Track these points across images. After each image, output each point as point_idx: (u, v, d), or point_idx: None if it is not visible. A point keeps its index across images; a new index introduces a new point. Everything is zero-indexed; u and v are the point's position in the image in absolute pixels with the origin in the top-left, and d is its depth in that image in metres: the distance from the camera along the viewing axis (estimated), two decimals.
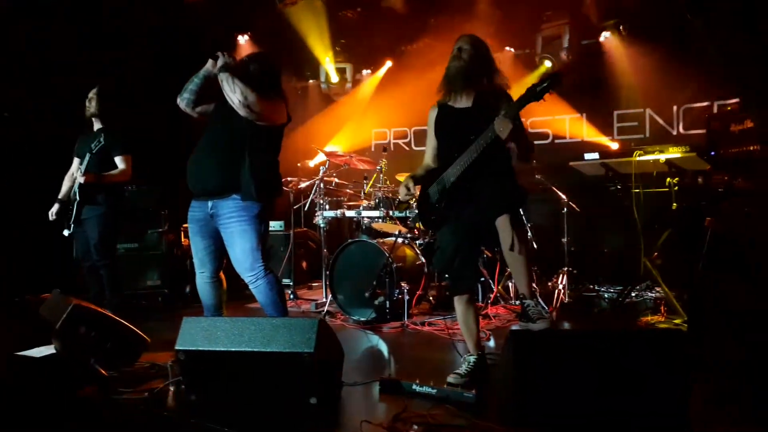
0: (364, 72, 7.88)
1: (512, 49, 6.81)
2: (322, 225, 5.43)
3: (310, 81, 8.19)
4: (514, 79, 3.62)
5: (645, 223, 4.50)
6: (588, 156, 4.91)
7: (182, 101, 3.38)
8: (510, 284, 5.06)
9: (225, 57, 3.24)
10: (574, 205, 5.39)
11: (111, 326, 3.21)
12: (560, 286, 5.06)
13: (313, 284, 6.47)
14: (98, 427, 2.73)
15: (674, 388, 2.22)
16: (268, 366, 2.54)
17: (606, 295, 5.26)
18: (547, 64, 6.45)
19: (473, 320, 3.08)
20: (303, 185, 5.82)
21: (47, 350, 3.07)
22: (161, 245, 5.65)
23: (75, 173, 4.32)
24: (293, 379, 2.53)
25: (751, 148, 4.05)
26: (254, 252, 3.22)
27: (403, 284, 4.45)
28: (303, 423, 2.52)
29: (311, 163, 7.15)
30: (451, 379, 2.93)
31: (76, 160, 4.41)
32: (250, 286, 3.28)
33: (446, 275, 3.34)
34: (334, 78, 7.73)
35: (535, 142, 4.07)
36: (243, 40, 7.42)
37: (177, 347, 2.62)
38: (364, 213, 5.19)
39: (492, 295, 4.84)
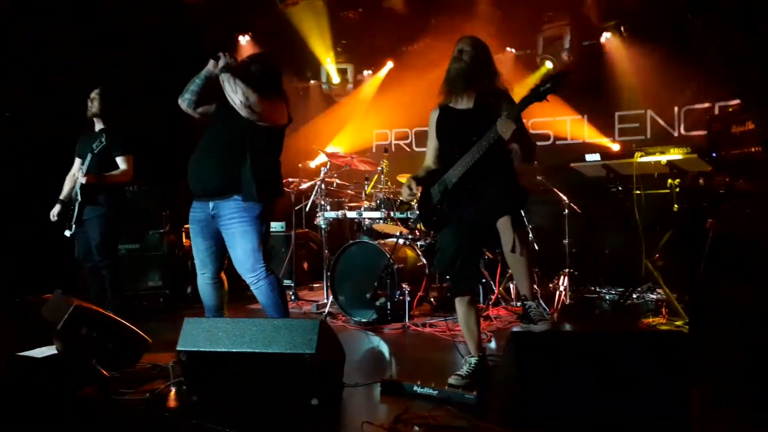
0: (366, 72, 7.88)
1: (513, 50, 6.80)
2: (323, 226, 5.43)
3: (311, 81, 8.19)
4: (515, 79, 3.61)
5: (646, 225, 4.49)
6: (589, 157, 4.89)
7: (183, 102, 3.38)
8: (511, 285, 5.05)
9: (226, 57, 3.24)
10: (575, 207, 5.39)
11: (112, 327, 3.22)
12: (561, 288, 5.05)
13: (315, 285, 6.47)
14: (99, 427, 2.73)
15: (673, 390, 2.22)
16: (269, 367, 2.54)
17: (607, 297, 5.27)
18: (548, 64, 6.44)
19: (474, 322, 3.08)
20: (304, 186, 5.82)
21: (48, 350, 3.07)
22: (162, 246, 5.65)
23: (76, 174, 4.32)
24: (294, 380, 2.53)
25: (753, 149, 4.05)
26: (255, 253, 3.22)
27: (404, 285, 4.45)
28: (304, 424, 2.52)
29: (312, 164, 7.12)
30: (452, 380, 2.92)
31: (77, 161, 4.40)
32: (252, 287, 3.27)
33: (447, 276, 3.33)
34: (336, 78, 7.72)
35: (537, 143, 4.07)
36: (244, 40, 7.42)
37: (178, 348, 2.62)
38: (366, 214, 5.18)
39: (493, 297, 4.84)
